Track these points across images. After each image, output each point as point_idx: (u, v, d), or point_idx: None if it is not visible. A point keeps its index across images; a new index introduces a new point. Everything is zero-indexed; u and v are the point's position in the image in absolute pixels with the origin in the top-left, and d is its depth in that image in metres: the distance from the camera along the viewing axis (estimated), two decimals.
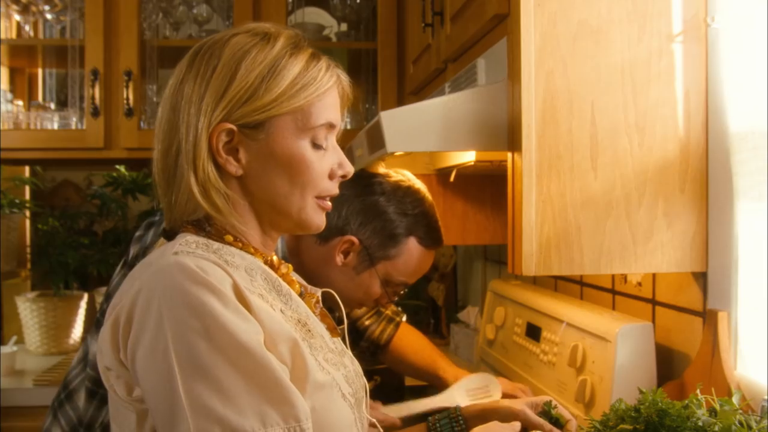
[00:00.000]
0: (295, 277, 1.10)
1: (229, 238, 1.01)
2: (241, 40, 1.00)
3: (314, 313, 1.08)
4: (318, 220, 1.05)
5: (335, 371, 1.00)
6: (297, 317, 0.99)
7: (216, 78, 0.98)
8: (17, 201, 2.96)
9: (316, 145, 1.02)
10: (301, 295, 1.08)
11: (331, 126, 1.04)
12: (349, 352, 1.12)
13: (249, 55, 0.98)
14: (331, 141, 1.05)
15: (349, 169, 1.07)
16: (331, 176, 1.05)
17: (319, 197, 1.04)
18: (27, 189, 3.21)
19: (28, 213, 3.08)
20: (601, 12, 1.27)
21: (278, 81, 0.98)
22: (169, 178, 1.00)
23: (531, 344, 1.85)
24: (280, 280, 1.02)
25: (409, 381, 2.20)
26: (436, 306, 3.05)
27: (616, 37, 1.28)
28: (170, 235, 1.05)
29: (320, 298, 1.12)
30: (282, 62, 0.99)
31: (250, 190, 1.01)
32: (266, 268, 1.02)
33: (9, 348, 2.69)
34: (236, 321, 0.87)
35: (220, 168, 0.99)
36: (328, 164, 1.04)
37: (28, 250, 3.12)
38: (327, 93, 1.03)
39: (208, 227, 1.01)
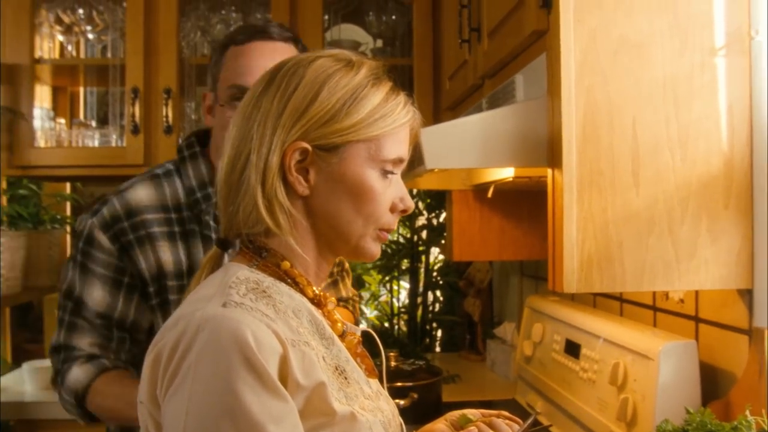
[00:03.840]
0: (337, 315, 1.10)
1: (286, 264, 1.01)
2: (325, 62, 1.01)
3: (355, 352, 1.07)
4: (374, 250, 1.06)
5: (372, 418, 0.99)
6: (336, 364, 0.98)
7: (297, 96, 0.98)
8: (59, 217, 3.02)
9: (384, 176, 1.02)
10: (342, 335, 1.07)
11: (399, 161, 1.04)
12: (385, 392, 1.12)
13: (332, 78, 0.99)
14: (396, 177, 1.06)
15: (410, 205, 1.06)
16: (392, 209, 1.05)
17: (381, 229, 1.04)
18: (68, 205, 3.27)
19: (68, 228, 3.13)
20: (642, 26, 1.26)
21: (359, 108, 0.99)
22: (232, 188, 1.00)
23: (570, 361, 1.83)
24: (324, 322, 1.01)
25: (447, 397, 2.19)
26: (472, 321, 3.04)
27: (658, 52, 1.27)
28: (224, 244, 1.06)
29: (361, 338, 1.12)
30: (364, 90, 1.00)
31: (313, 212, 1.01)
32: (312, 309, 1.01)
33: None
34: (269, 407, 0.86)
35: (287, 185, 0.99)
36: (391, 197, 1.04)
37: None
38: (401, 128, 1.03)
39: (264, 252, 1.01)
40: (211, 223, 1.54)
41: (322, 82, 0.99)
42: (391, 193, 1.04)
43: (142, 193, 1.53)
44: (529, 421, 1.23)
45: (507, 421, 1.21)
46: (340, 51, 1.06)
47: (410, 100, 1.06)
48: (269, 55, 1.46)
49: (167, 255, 1.51)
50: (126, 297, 1.51)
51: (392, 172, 1.03)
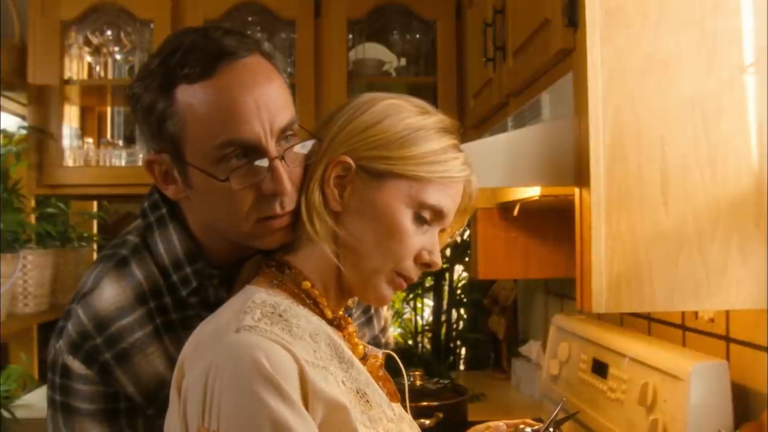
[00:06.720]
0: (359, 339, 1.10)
1: (307, 284, 1.01)
2: (400, 102, 1.03)
3: (377, 375, 1.06)
4: (385, 292, 1.03)
5: None
6: (356, 387, 0.97)
7: (361, 119, 1.00)
8: (86, 235, 3.05)
9: (417, 219, 1.01)
10: (364, 357, 1.06)
11: (439, 213, 1.02)
12: (408, 416, 1.11)
13: (401, 114, 1.00)
14: (433, 229, 1.03)
15: (437, 261, 1.04)
16: (416, 259, 1.03)
17: (399, 274, 1.02)
18: (94, 223, 3.30)
19: (95, 246, 3.17)
20: (669, 45, 1.25)
21: (414, 144, 0.99)
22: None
23: (597, 381, 1.81)
24: (344, 345, 1.00)
25: (473, 416, 2.17)
26: (496, 340, 3.02)
27: (685, 70, 1.26)
28: (266, 253, 1.06)
29: (383, 361, 1.11)
30: (426, 133, 1.00)
31: (340, 228, 1.01)
32: (330, 332, 1.00)
33: None
34: (296, 421, 0.87)
35: (324, 197, 1.00)
36: (419, 245, 1.02)
37: None
38: (452, 182, 1.02)
39: (287, 269, 1.01)
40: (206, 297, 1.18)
41: (389, 114, 1.00)
42: (421, 241, 1.02)
43: (109, 294, 1.15)
44: (558, 408, 1.27)
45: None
46: (420, 100, 1.06)
47: (469, 164, 1.05)
48: (251, 79, 1.05)
49: (161, 361, 1.15)
50: (130, 427, 1.16)
51: (428, 222, 1.01)
